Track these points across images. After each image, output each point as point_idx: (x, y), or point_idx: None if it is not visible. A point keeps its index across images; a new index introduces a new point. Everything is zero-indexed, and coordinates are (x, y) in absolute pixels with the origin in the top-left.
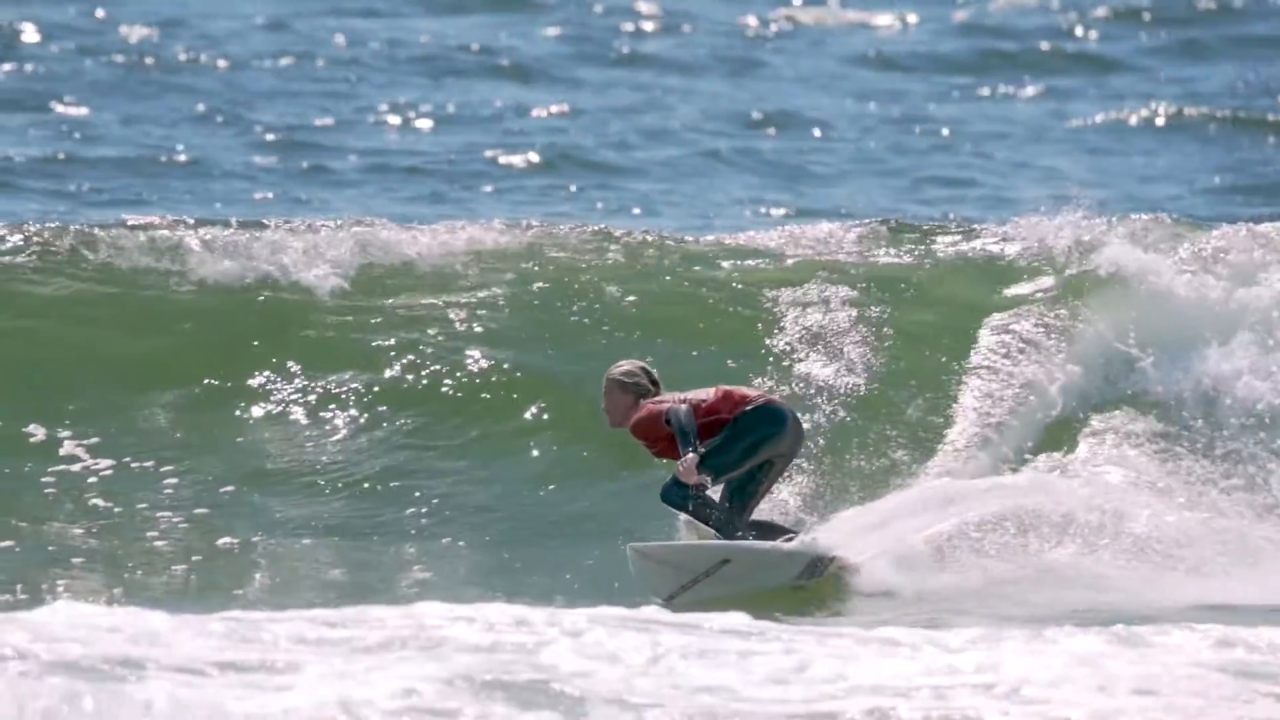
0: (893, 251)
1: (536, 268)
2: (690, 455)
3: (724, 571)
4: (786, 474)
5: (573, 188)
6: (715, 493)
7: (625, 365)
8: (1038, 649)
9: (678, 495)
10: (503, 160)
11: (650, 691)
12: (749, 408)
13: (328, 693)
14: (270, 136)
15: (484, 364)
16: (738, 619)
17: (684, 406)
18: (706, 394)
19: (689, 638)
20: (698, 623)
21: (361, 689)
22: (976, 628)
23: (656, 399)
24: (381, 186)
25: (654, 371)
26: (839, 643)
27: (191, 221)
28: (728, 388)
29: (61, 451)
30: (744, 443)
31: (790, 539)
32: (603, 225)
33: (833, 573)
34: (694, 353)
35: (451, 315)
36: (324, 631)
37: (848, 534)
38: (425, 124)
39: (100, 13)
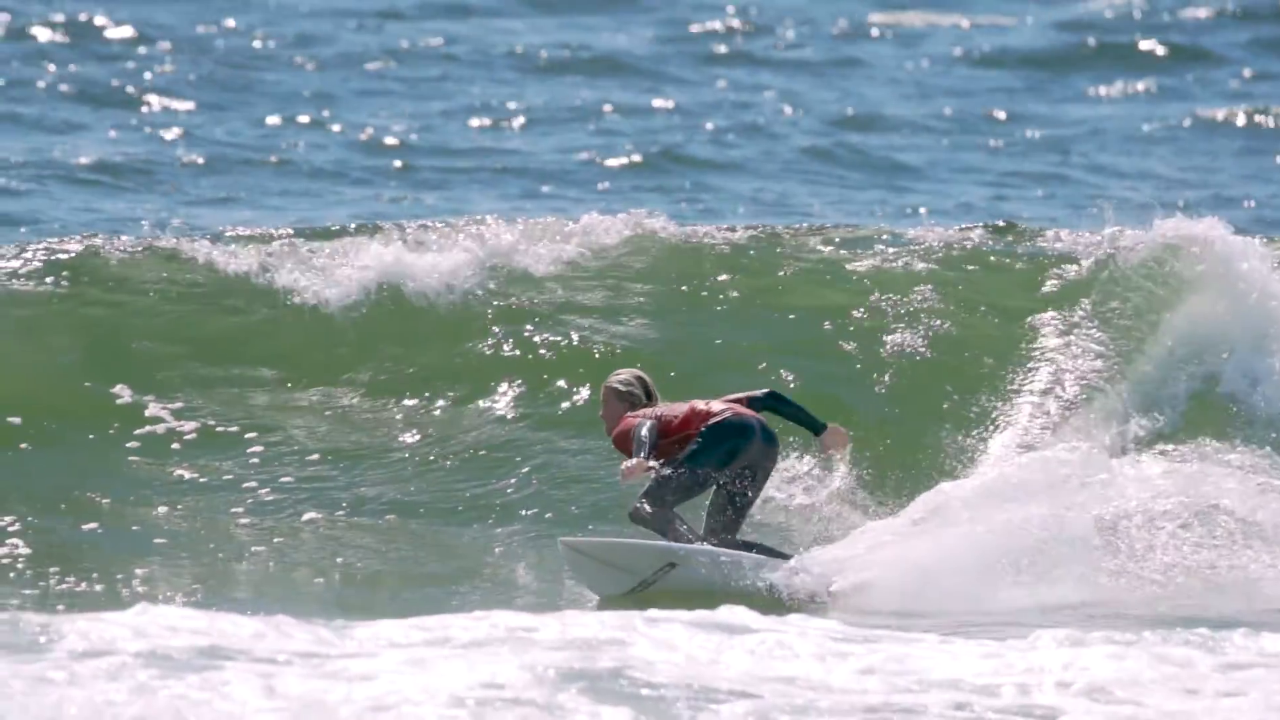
0: (989, 250)
1: (648, 262)
2: (637, 461)
3: (674, 578)
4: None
5: (668, 184)
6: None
7: (623, 374)
8: (1121, 651)
9: (648, 515)
10: (598, 158)
11: (734, 679)
12: (714, 421)
13: (411, 683)
14: (361, 136)
15: (589, 344)
16: (821, 622)
17: (649, 422)
18: (678, 411)
19: (771, 633)
20: (780, 622)
21: (444, 679)
22: (1061, 629)
23: (641, 412)
24: (479, 185)
25: (650, 383)
26: (921, 642)
27: (291, 231)
28: (698, 404)
29: (149, 426)
30: (711, 455)
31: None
32: (700, 220)
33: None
34: (782, 342)
35: (560, 302)
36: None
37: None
38: (518, 122)
39: (198, 14)
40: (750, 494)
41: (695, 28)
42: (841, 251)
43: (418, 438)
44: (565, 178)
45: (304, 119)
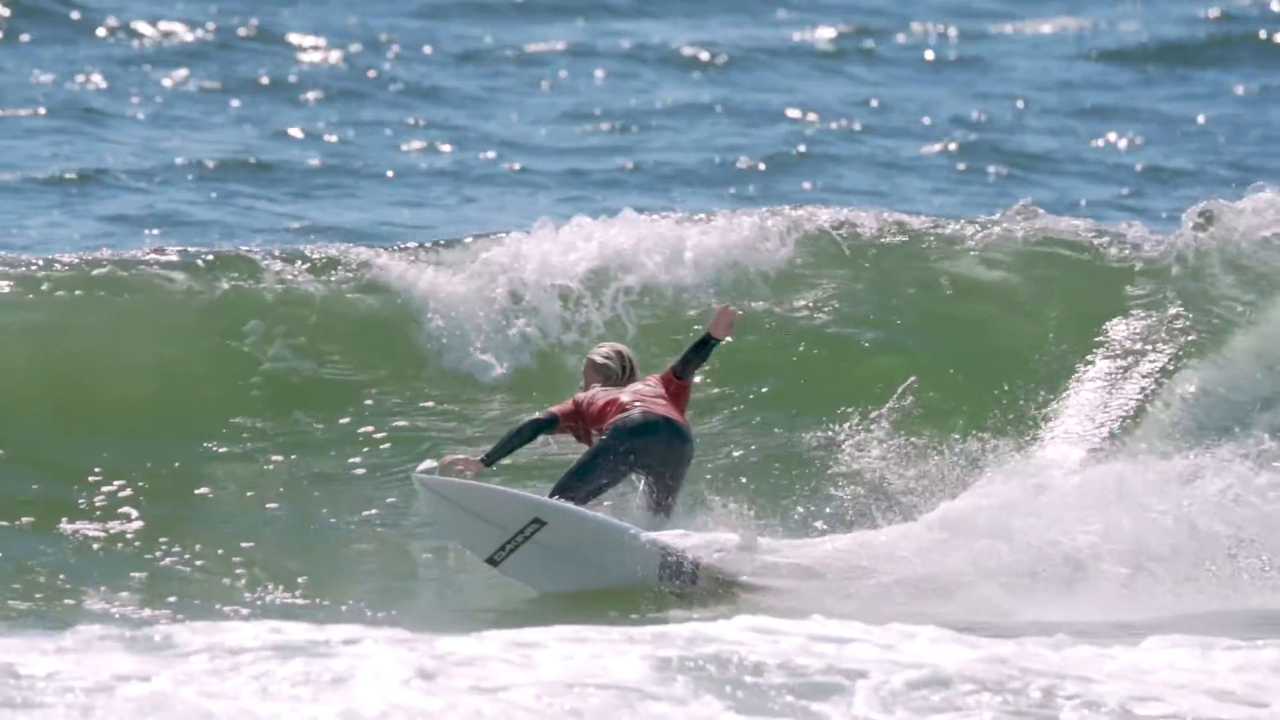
0: (1118, 248)
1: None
2: (465, 457)
3: (546, 538)
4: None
5: (802, 183)
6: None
7: (605, 348)
8: (1248, 656)
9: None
10: (730, 157)
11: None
12: (617, 420)
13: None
14: (482, 138)
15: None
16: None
17: (541, 417)
18: (600, 401)
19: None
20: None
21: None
22: (1176, 633)
23: (587, 396)
24: (582, 188)
25: (631, 360)
26: (1038, 643)
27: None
28: (621, 396)
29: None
30: (612, 453)
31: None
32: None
33: (721, 586)
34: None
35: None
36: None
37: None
38: (652, 121)
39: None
40: (663, 492)
41: (823, 30)
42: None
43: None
44: (694, 177)
45: (458, 121)
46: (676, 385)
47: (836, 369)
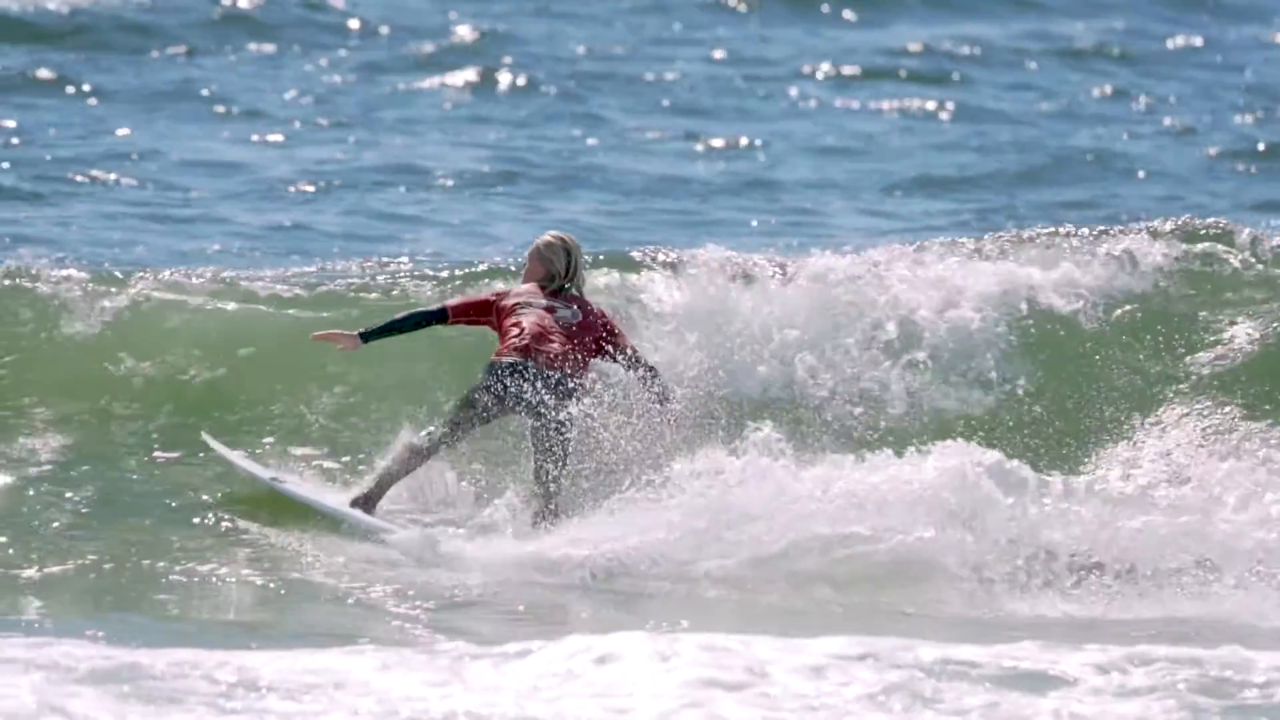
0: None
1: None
2: (349, 334)
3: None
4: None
5: (1065, 188)
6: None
7: (552, 236)
8: None
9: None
10: (972, 168)
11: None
12: (495, 358)
13: None
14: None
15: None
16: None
17: (431, 309)
18: (509, 306)
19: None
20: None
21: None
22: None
23: (511, 291)
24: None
25: (577, 258)
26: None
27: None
28: (525, 319)
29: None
30: (483, 393)
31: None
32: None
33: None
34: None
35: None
36: None
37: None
38: (873, 127)
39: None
40: (542, 455)
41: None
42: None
43: None
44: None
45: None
46: (612, 337)
47: None
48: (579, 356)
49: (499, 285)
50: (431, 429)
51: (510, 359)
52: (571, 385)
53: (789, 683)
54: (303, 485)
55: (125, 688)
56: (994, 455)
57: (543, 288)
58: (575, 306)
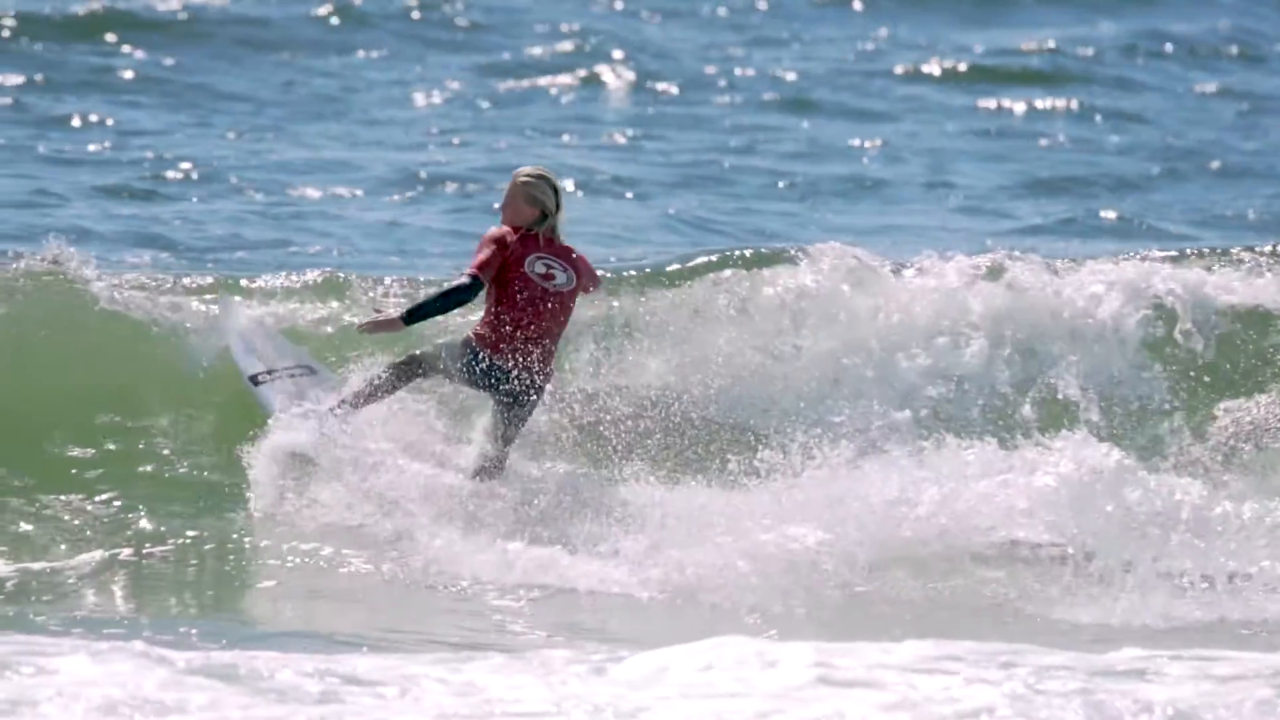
0: None
1: None
2: (389, 316)
3: (307, 382)
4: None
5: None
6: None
7: (536, 170)
8: None
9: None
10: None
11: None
12: (487, 343)
13: None
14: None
15: None
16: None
17: (463, 283)
18: (516, 258)
19: None
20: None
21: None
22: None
23: (520, 246)
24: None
25: (560, 192)
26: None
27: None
28: (532, 268)
29: None
30: (464, 373)
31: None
32: None
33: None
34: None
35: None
36: None
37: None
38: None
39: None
40: (509, 414)
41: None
42: None
43: None
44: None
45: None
46: (593, 283)
47: None
48: (559, 332)
49: (493, 229)
50: (380, 373)
51: (499, 361)
52: (549, 370)
53: (910, 681)
54: (276, 388)
55: (236, 686)
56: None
57: (530, 234)
58: (567, 264)
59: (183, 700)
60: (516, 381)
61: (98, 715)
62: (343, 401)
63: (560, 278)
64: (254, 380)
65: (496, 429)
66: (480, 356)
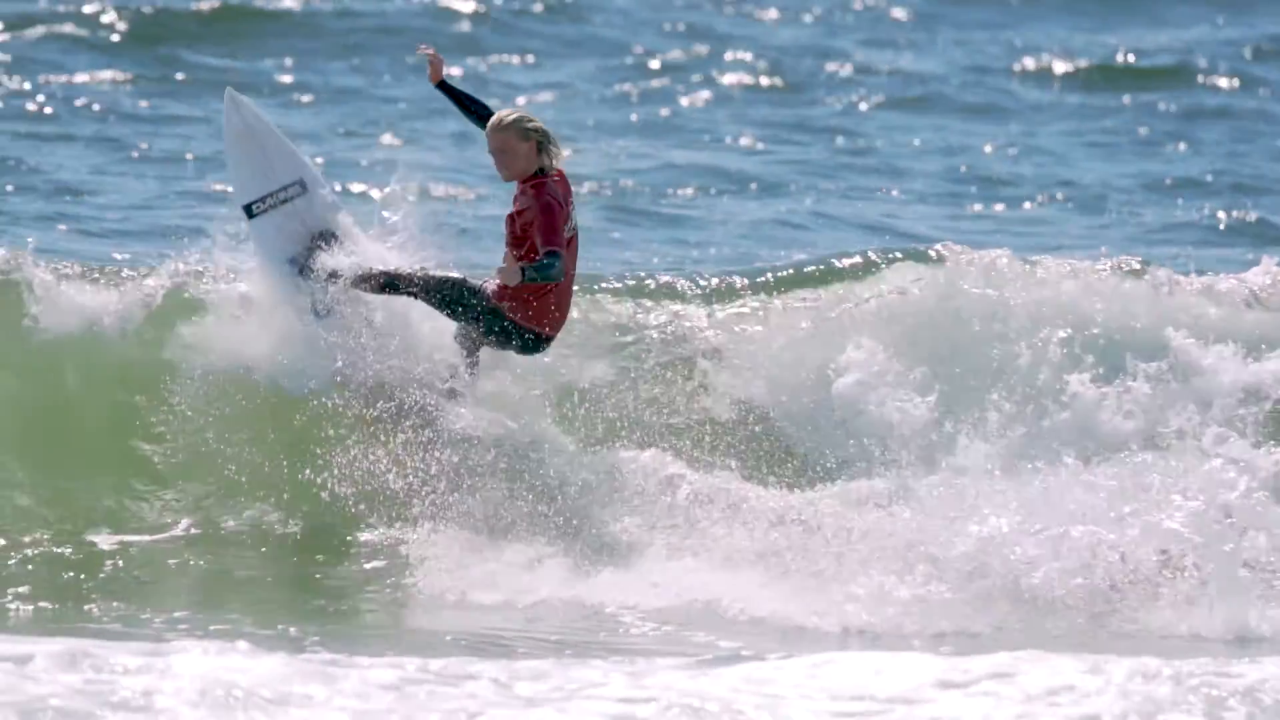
0: None
1: None
2: (518, 269)
3: (299, 208)
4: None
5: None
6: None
7: (514, 114)
8: None
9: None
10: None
11: None
12: (543, 325)
13: None
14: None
15: None
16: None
17: (561, 256)
18: (546, 222)
19: None
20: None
21: None
22: None
23: (560, 202)
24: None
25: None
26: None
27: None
28: (566, 292)
29: None
30: (500, 337)
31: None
32: None
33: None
34: None
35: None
36: None
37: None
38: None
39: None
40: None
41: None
42: None
43: None
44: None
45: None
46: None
47: None
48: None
49: (545, 197)
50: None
51: (545, 340)
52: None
53: (1029, 686)
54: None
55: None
56: None
57: (557, 178)
58: (574, 202)
59: (307, 695)
60: (546, 346)
61: (218, 710)
62: (361, 279)
63: (572, 221)
64: (248, 211)
65: (474, 343)
66: (533, 336)
